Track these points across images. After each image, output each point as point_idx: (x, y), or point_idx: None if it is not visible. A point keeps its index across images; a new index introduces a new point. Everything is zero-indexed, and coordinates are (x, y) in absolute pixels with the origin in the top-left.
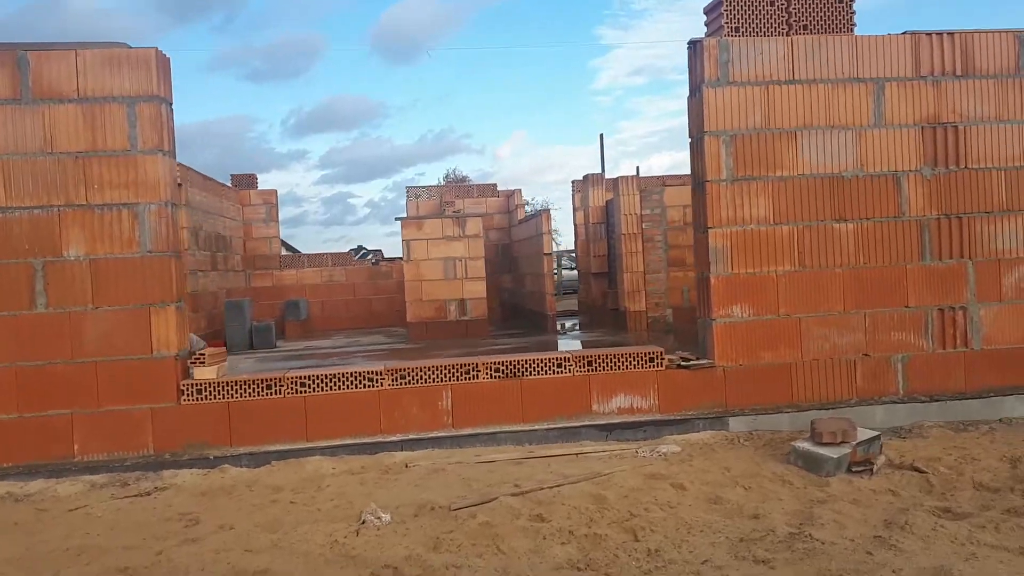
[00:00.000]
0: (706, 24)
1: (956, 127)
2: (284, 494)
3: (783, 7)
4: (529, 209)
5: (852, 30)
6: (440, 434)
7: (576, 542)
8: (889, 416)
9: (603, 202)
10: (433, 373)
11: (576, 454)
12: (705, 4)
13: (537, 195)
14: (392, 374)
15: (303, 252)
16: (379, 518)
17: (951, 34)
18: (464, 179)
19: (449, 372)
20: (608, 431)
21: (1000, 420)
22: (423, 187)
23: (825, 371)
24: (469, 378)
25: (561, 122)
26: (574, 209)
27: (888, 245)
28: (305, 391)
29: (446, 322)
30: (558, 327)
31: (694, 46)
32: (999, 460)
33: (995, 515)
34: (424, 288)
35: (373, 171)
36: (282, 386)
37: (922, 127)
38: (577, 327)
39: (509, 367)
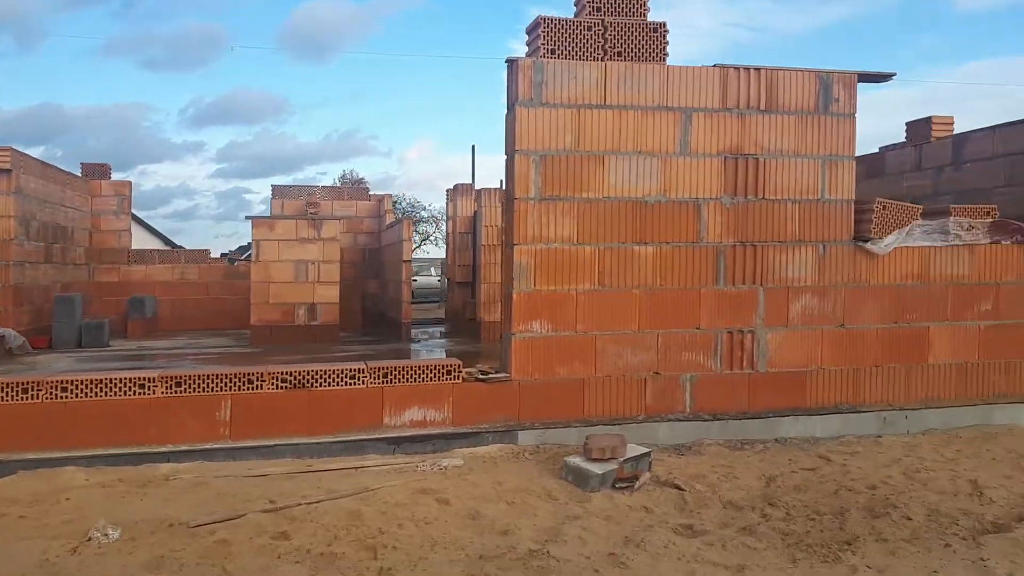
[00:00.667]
0: (527, 44)
1: (757, 159)
2: (16, 508)
3: (599, 33)
4: (426, 215)
5: (664, 59)
6: (215, 446)
7: (310, 561)
8: (673, 433)
9: (471, 212)
10: (212, 382)
11: (355, 468)
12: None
13: (437, 201)
14: (166, 381)
15: (186, 247)
16: (106, 535)
17: (758, 70)
18: (360, 181)
19: (230, 381)
20: (396, 444)
21: (776, 440)
22: (290, 186)
23: (617, 388)
24: (252, 388)
25: (471, 130)
26: (447, 218)
27: (685, 269)
28: (67, 396)
29: (293, 327)
30: (413, 335)
31: (511, 65)
32: (757, 478)
33: (730, 533)
34: (272, 290)
35: (273, 167)
36: (40, 390)
37: (725, 157)
38: (436, 336)
39: (297, 378)
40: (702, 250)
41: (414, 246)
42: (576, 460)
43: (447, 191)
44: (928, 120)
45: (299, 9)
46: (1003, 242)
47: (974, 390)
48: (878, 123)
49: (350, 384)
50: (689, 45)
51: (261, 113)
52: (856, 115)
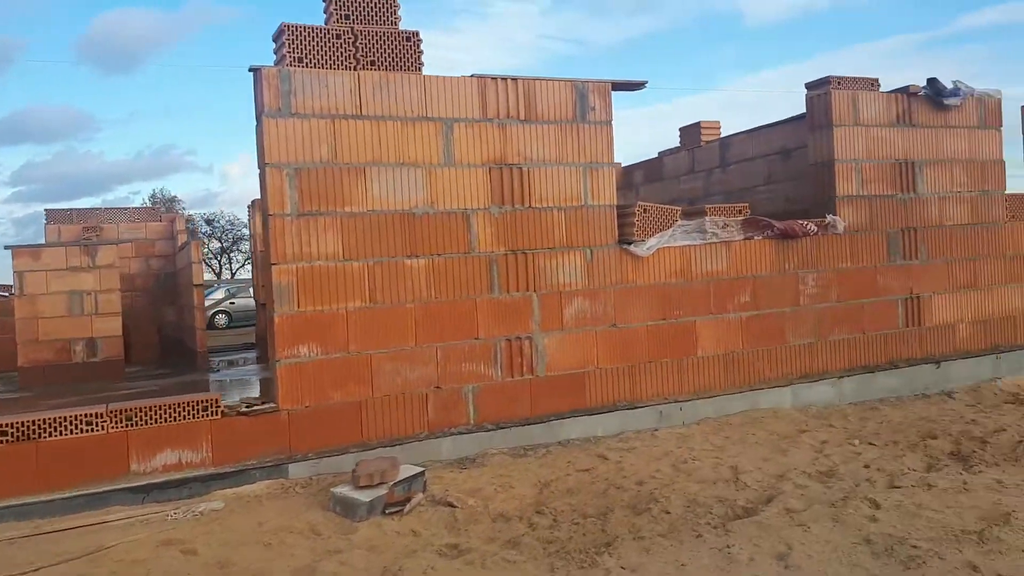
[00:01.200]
0: (274, 51)
1: (521, 168)
2: None
3: (350, 41)
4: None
5: (420, 69)
6: None
7: None
8: (457, 447)
9: None
10: None
11: (95, 524)
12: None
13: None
14: None
15: None
16: None
17: (515, 80)
18: (173, 200)
19: None
20: (146, 493)
21: (559, 442)
22: (68, 210)
23: (397, 407)
24: None
25: None
26: (250, 235)
27: (459, 280)
28: None
29: (71, 365)
30: (213, 364)
31: (255, 74)
32: (532, 486)
33: (493, 548)
34: (42, 326)
35: (79, 189)
36: None
37: (490, 167)
38: (239, 363)
39: (20, 429)
40: (475, 260)
41: (238, 266)
42: (343, 490)
43: (247, 206)
44: (698, 125)
45: (99, 19)
46: (756, 237)
47: (741, 378)
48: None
49: (87, 431)
50: (511, 59)
51: (63, 130)
52: (612, 122)
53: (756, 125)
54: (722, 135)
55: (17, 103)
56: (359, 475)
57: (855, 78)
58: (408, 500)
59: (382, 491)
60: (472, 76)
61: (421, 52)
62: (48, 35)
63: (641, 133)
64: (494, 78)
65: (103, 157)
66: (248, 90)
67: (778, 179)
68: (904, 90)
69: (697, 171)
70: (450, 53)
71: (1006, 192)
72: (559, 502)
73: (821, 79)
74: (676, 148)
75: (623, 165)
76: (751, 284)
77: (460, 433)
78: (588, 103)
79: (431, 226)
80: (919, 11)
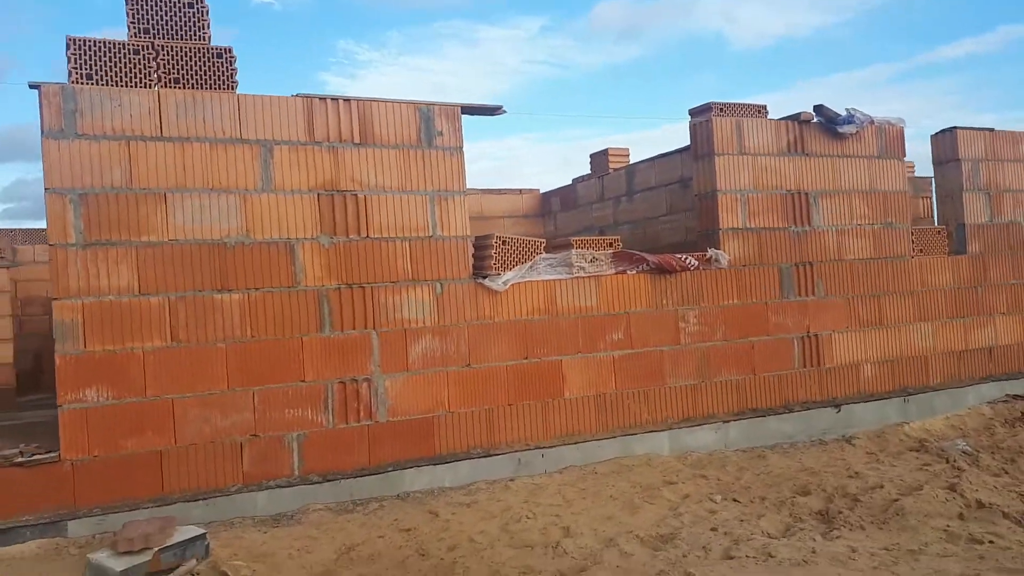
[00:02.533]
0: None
1: (356, 195)
2: None
3: (150, 57)
4: None
5: (234, 88)
6: None
7: None
8: (275, 502)
9: None
10: None
11: None
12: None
13: None
14: None
15: None
16: None
17: (348, 100)
18: None
19: None
20: None
21: (398, 495)
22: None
23: (204, 457)
24: None
25: None
26: None
27: (282, 317)
28: None
29: None
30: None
31: (37, 91)
32: (334, 551)
33: None
34: None
35: None
36: None
37: (319, 194)
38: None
39: None
40: (301, 295)
41: None
42: (101, 556)
43: None
44: (606, 152)
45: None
46: (629, 271)
47: (615, 421)
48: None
49: None
50: (492, 81)
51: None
52: (463, 148)
53: (659, 153)
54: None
55: (8, 120)
56: (120, 539)
57: (741, 104)
58: (174, 568)
59: (145, 557)
60: (297, 96)
61: (235, 70)
62: (43, 53)
63: (625, 160)
64: (323, 98)
65: None
66: None
67: (678, 209)
68: (795, 117)
69: (606, 199)
70: (438, 77)
71: (912, 226)
72: (351, 572)
73: (703, 105)
74: (589, 175)
75: (541, 191)
76: (625, 321)
77: (281, 486)
78: (435, 127)
79: (247, 257)
80: (897, 41)
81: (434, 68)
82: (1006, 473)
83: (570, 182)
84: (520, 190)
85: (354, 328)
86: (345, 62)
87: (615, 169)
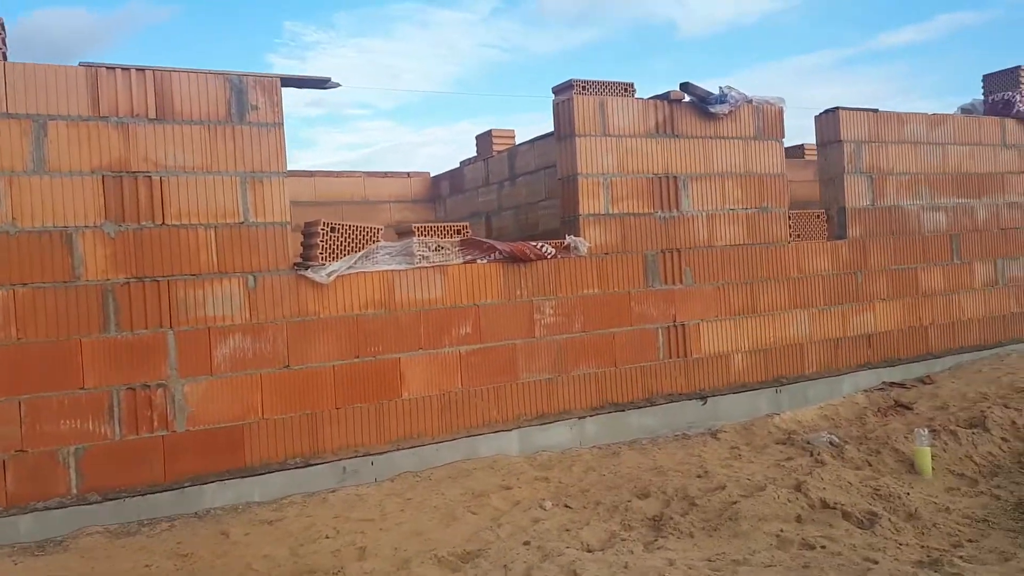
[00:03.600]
0: None
1: (151, 177)
2: None
3: None
4: None
5: (3, 57)
6: None
7: None
8: (42, 526)
9: None
10: None
11: None
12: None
13: None
14: None
15: None
16: None
17: (142, 70)
18: None
19: None
20: None
21: (196, 513)
22: None
23: None
24: None
25: None
26: None
27: (57, 315)
28: None
29: None
30: None
31: None
32: None
33: None
34: None
35: None
36: None
37: (104, 176)
38: None
39: None
40: (80, 290)
41: None
42: None
43: None
44: (489, 133)
45: (28, 18)
46: (480, 261)
47: (460, 421)
48: None
49: None
50: (445, 65)
51: None
52: (283, 125)
53: (539, 135)
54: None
55: None
56: None
57: (606, 82)
58: None
59: None
60: (81, 64)
61: (3, 34)
62: None
63: (510, 142)
64: (111, 67)
65: None
66: None
67: (557, 194)
68: (665, 97)
69: (491, 183)
70: (389, 59)
71: (790, 210)
72: None
73: (566, 83)
74: (475, 157)
75: (432, 175)
76: (474, 314)
77: (51, 508)
78: (248, 101)
79: (14, 249)
80: (843, 27)
81: (385, 50)
82: (869, 465)
83: (458, 165)
84: (408, 173)
85: (146, 327)
86: (292, 44)
87: (499, 152)
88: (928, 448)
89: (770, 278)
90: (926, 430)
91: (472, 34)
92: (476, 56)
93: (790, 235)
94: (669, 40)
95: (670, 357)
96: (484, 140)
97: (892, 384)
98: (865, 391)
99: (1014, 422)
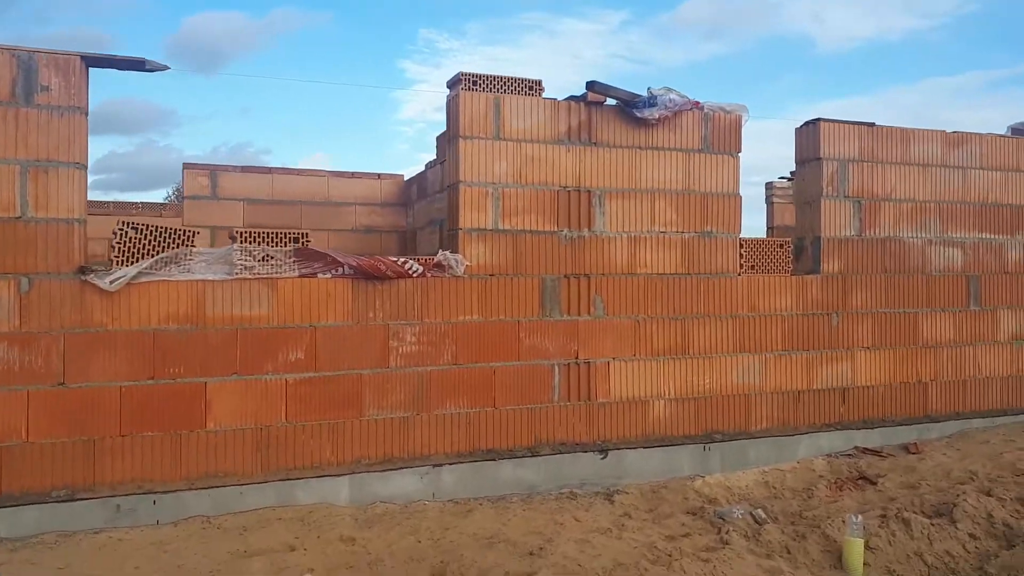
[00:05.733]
0: None
1: None
2: None
3: None
4: None
5: None
6: None
7: None
8: None
9: None
10: None
11: None
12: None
13: None
14: None
15: None
16: None
17: None
18: None
19: None
20: None
21: None
22: None
23: None
24: None
25: (364, 147)
26: None
27: None
28: None
29: None
30: None
31: None
32: None
33: None
34: None
35: (156, 180)
36: None
37: None
38: None
39: None
40: None
41: None
42: None
43: None
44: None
45: (190, 20)
46: (321, 275)
47: (281, 461)
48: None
49: None
50: (570, 72)
51: (144, 124)
52: (86, 109)
53: None
54: None
55: (104, 95)
56: None
57: (504, 78)
58: None
59: None
60: None
61: None
62: (137, 31)
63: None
64: None
65: (182, 152)
66: (324, 92)
67: None
68: (582, 98)
69: (445, 187)
70: (517, 68)
71: (741, 236)
72: None
73: (455, 76)
74: (437, 160)
75: (405, 177)
76: (310, 336)
77: None
78: (38, 81)
79: None
80: (992, 49)
81: (512, 58)
82: (787, 553)
83: (423, 168)
84: (379, 175)
85: None
86: (425, 50)
87: None
88: (861, 540)
89: (710, 314)
90: (859, 517)
91: (599, 44)
92: (602, 66)
93: (742, 266)
94: (805, 56)
95: (568, 400)
96: (443, 141)
97: (866, 450)
98: (828, 456)
99: (991, 514)
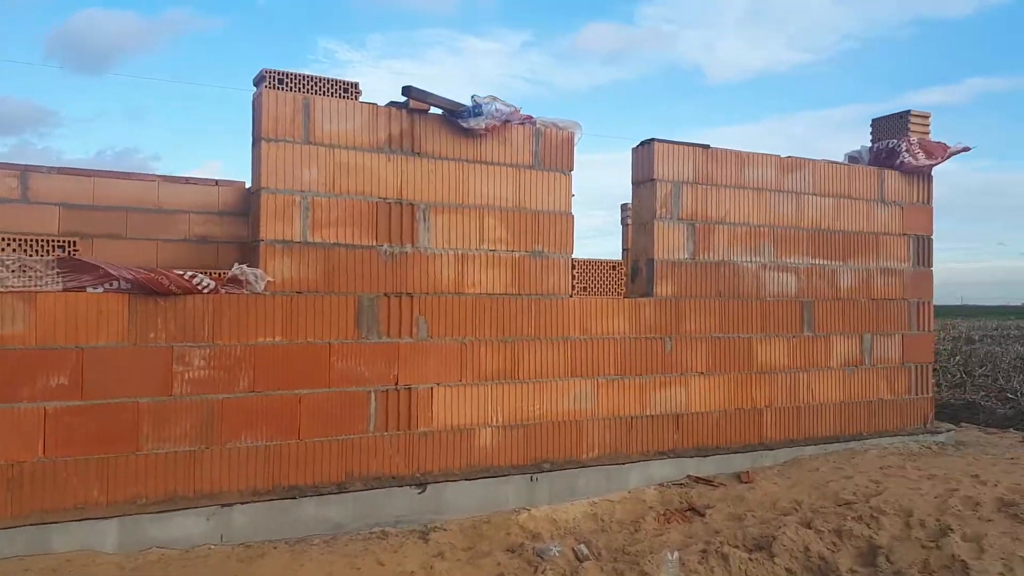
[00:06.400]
0: None
1: None
2: None
3: None
4: None
5: None
6: None
7: None
8: None
9: None
10: None
11: None
12: None
13: None
14: None
15: None
16: None
17: None
18: None
19: None
20: None
21: None
22: None
23: None
24: None
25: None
26: None
27: None
28: None
29: None
30: None
31: None
32: None
33: None
34: None
35: None
36: None
37: None
38: None
39: None
40: None
41: None
42: None
43: None
44: None
45: (77, 16)
46: (91, 290)
47: (36, 503)
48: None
49: None
50: (472, 91)
51: (21, 124)
52: None
53: None
54: None
55: None
56: None
57: (317, 77)
58: None
59: None
60: None
61: None
62: (17, 28)
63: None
64: None
65: (61, 154)
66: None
67: None
68: (404, 105)
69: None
70: (420, 82)
71: (574, 256)
72: None
73: (259, 74)
74: None
75: (247, 185)
76: (75, 359)
77: None
78: None
79: None
80: (870, 84)
81: (417, 73)
82: None
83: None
84: (217, 181)
85: None
86: (325, 60)
87: None
88: None
89: (541, 337)
90: (675, 554)
91: (502, 64)
92: (506, 86)
93: (574, 287)
94: (699, 84)
95: (386, 430)
96: None
97: (698, 479)
98: (660, 485)
99: (808, 547)
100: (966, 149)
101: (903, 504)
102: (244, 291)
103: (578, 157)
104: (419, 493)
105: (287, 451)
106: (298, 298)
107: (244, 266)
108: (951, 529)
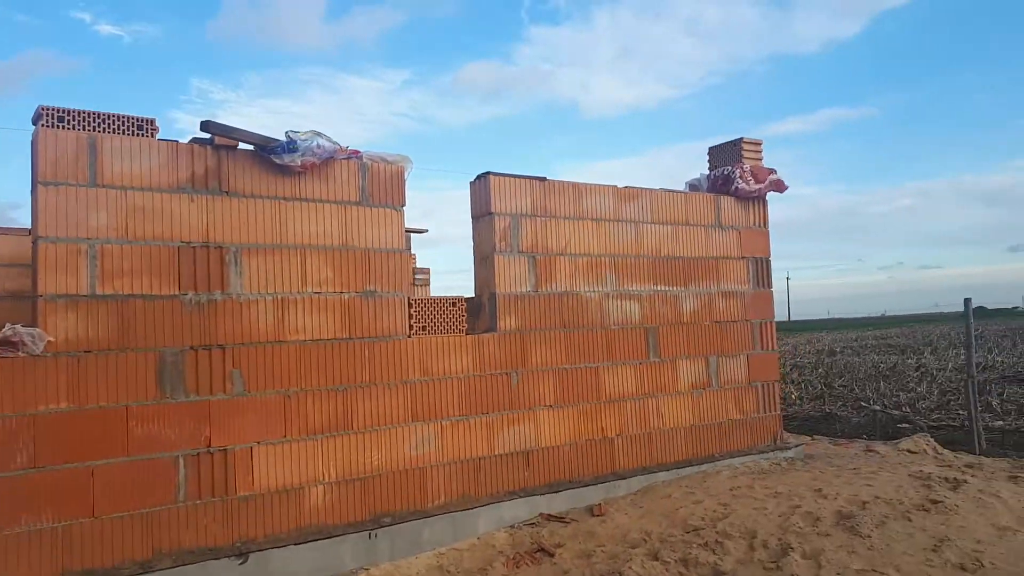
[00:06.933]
0: None
1: None
2: None
3: None
4: None
5: None
6: None
7: None
8: None
9: None
10: None
11: None
12: None
13: None
14: None
15: None
16: None
17: None
18: None
19: None
20: None
21: None
22: None
23: None
24: None
25: None
26: None
27: None
28: None
29: None
30: None
31: None
32: None
33: None
34: None
35: None
36: None
37: None
38: None
39: None
40: None
41: None
42: None
43: None
44: None
45: None
46: None
47: None
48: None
49: None
50: (355, 129)
51: None
52: None
53: None
54: None
55: None
56: None
57: (106, 114)
58: None
59: None
60: None
61: None
62: None
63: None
64: None
65: None
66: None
67: None
68: (210, 141)
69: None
70: (299, 121)
71: (422, 297)
72: None
73: (38, 111)
74: None
75: None
76: None
77: None
78: None
79: None
80: (734, 116)
81: (295, 111)
82: None
83: None
84: (29, 231)
85: None
86: (198, 101)
87: None
88: None
89: (377, 382)
90: None
91: (383, 102)
92: (388, 123)
93: (412, 327)
94: (574, 120)
95: (199, 497)
96: None
97: (550, 517)
98: (511, 527)
99: None
100: (780, 184)
101: (748, 526)
102: (20, 353)
103: (452, 193)
104: (240, 563)
105: (79, 532)
106: (87, 357)
107: (17, 326)
108: (791, 548)
